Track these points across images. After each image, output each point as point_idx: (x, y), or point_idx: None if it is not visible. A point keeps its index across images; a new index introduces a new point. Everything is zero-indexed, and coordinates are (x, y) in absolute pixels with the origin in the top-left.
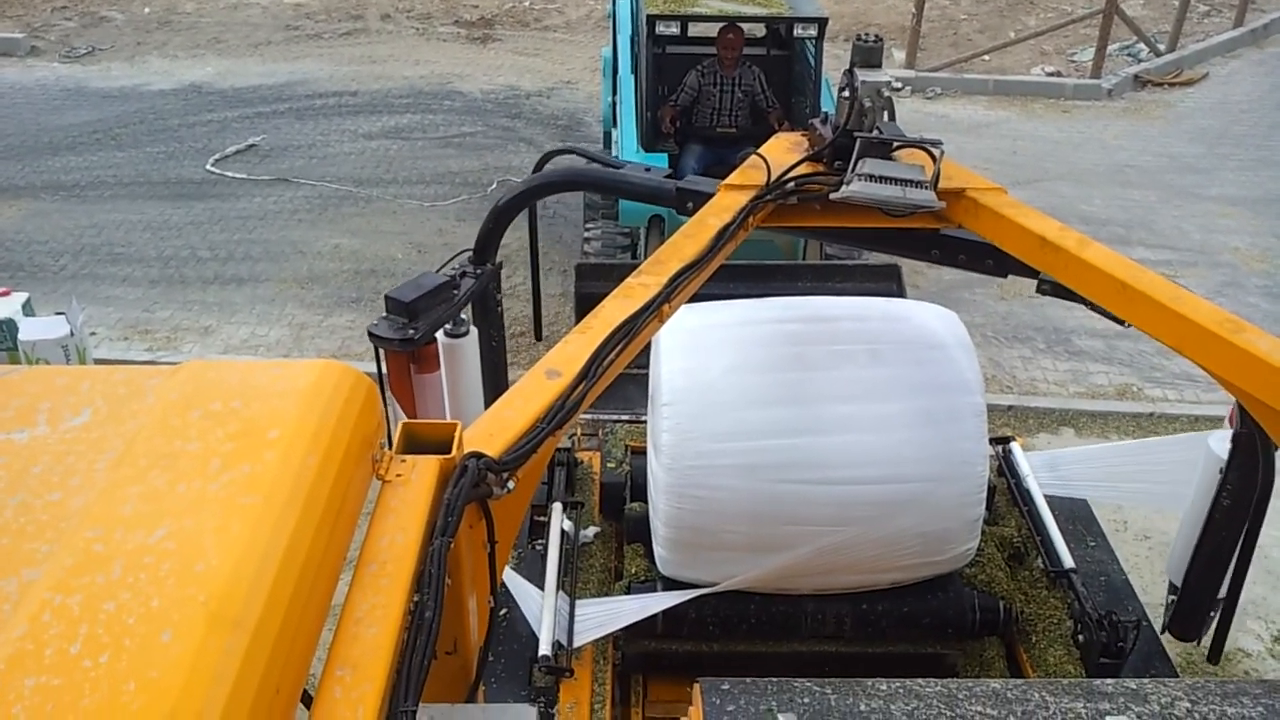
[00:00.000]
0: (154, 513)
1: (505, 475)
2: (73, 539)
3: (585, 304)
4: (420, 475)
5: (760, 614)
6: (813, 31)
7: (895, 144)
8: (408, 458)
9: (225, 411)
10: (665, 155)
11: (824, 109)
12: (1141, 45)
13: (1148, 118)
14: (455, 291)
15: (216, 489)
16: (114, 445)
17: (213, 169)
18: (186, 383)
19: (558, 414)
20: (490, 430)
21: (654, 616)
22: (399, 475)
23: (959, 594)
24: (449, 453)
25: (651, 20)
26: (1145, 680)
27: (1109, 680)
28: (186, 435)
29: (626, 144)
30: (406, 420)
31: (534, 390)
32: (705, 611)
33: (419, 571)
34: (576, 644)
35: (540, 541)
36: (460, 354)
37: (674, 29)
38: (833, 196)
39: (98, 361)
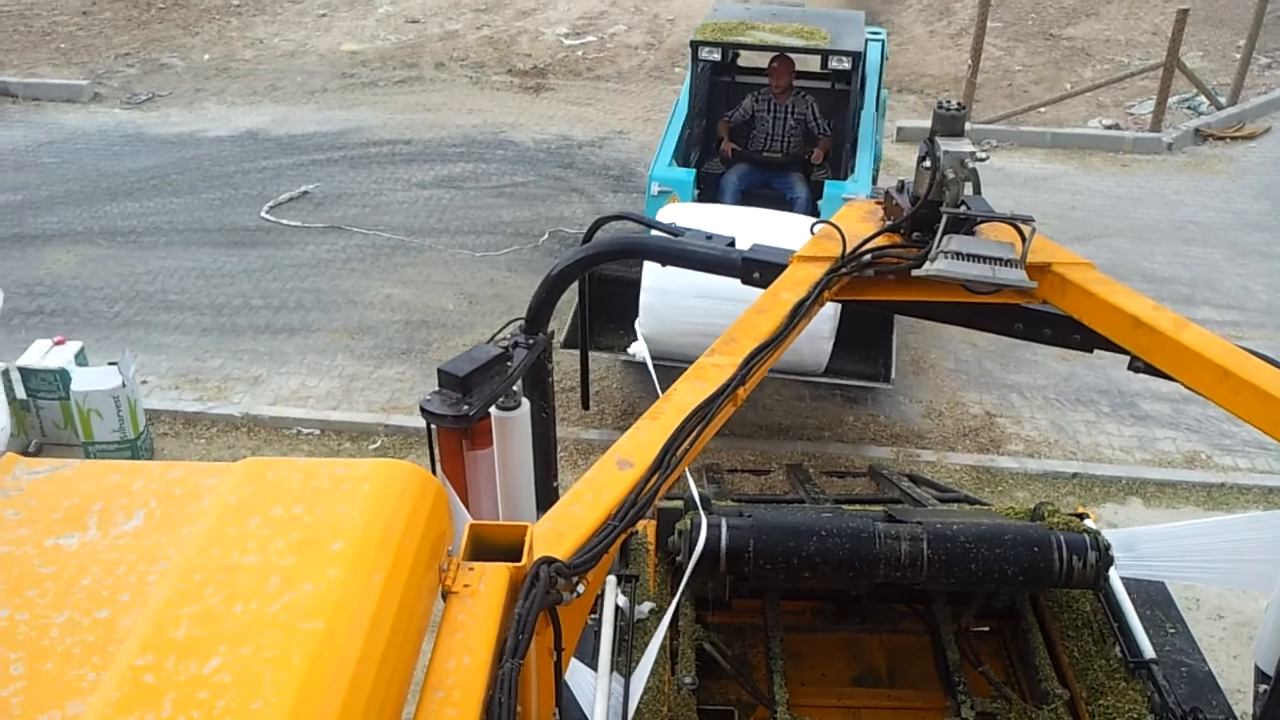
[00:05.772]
0: (209, 637)
1: (576, 579)
2: (121, 667)
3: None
4: (489, 586)
5: (829, 543)
6: (846, 64)
7: (982, 220)
8: (475, 565)
9: (285, 518)
10: (693, 171)
11: (861, 138)
12: (1201, 98)
13: (1209, 172)
14: (509, 364)
15: (276, 610)
16: (167, 554)
17: (267, 216)
18: (244, 484)
19: (630, 510)
20: (559, 528)
21: (716, 553)
22: (466, 585)
23: (1042, 533)
24: (519, 559)
25: (695, 45)
26: None
27: None
28: (244, 546)
29: (661, 159)
30: (473, 522)
31: (605, 482)
32: (761, 546)
33: (488, 697)
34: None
35: (593, 615)
36: (512, 428)
37: (716, 55)
38: (916, 273)
39: (148, 411)
